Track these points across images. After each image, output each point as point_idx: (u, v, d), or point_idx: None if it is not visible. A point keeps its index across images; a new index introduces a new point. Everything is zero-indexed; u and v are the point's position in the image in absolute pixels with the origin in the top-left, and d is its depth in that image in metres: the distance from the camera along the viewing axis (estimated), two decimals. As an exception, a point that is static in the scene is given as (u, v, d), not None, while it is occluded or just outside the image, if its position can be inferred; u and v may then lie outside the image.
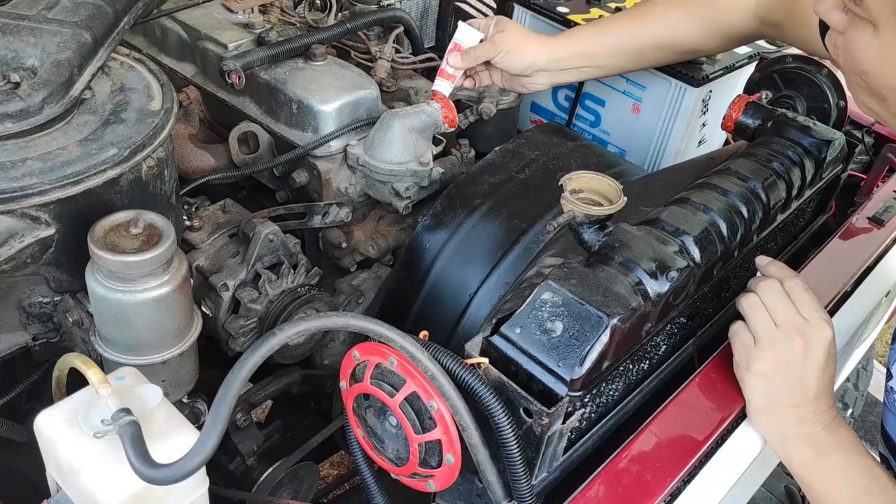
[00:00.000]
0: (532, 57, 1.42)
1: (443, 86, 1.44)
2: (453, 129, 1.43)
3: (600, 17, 1.61)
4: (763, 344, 1.02)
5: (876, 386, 2.69)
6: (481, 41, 1.43)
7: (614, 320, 0.85)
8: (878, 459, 1.08)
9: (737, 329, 1.06)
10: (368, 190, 1.42)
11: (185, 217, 1.29)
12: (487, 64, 1.45)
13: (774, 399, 1.02)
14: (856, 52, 0.89)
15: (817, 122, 1.25)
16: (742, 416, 1.06)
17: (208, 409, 1.09)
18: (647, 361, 1.05)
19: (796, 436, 1.01)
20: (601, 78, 1.60)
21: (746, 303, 1.05)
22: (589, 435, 0.99)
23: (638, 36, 1.43)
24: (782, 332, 1.01)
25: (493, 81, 1.49)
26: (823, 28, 1.00)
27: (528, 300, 0.89)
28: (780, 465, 1.10)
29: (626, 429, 1.02)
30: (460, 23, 1.46)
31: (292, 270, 1.30)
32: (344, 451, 1.72)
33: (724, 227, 1.04)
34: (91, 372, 0.83)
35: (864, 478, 0.97)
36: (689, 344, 1.14)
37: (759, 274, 1.10)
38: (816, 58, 1.47)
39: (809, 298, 1.04)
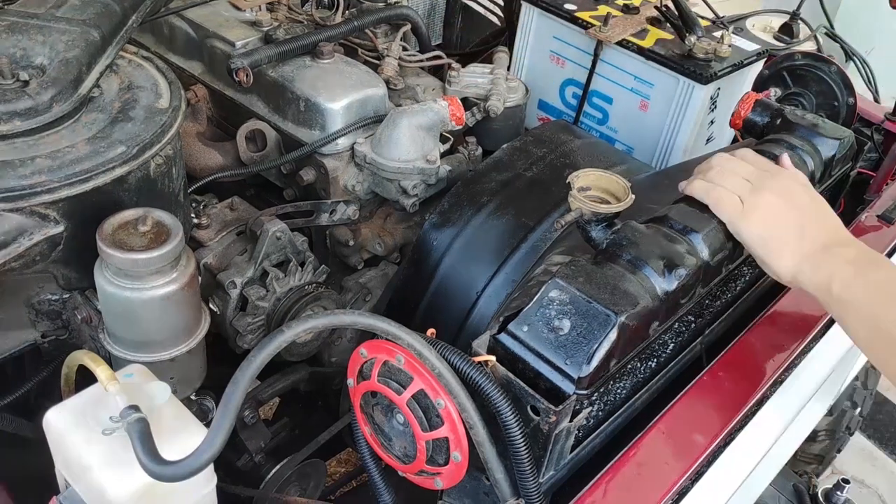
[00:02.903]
0: None
1: None
2: (460, 127, 1.43)
3: (608, 14, 1.60)
4: (755, 190, 0.99)
5: (885, 384, 2.68)
6: None
7: (622, 318, 0.85)
8: None
9: (717, 198, 1.01)
10: (375, 188, 1.42)
11: (192, 215, 1.29)
12: None
13: (793, 232, 0.98)
14: None
15: (826, 120, 1.25)
16: (750, 414, 1.05)
17: (216, 406, 1.10)
18: (655, 359, 1.05)
19: (830, 257, 0.95)
20: None
21: (705, 185, 1.02)
22: (597, 433, 0.99)
23: None
24: (763, 175, 1.01)
25: None
26: None
27: (535, 298, 0.89)
28: (789, 463, 1.10)
29: (634, 427, 1.02)
30: None
31: (300, 268, 1.31)
32: (351, 449, 1.72)
33: (732, 225, 1.03)
34: (100, 369, 0.83)
35: None
36: (697, 342, 1.13)
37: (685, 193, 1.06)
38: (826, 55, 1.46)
39: (762, 159, 1.03)
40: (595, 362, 0.84)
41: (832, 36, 2.00)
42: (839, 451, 2.34)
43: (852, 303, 0.92)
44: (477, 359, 0.86)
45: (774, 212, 0.99)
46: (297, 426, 1.47)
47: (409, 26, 1.63)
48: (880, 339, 0.90)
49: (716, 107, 1.61)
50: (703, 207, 1.04)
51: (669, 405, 1.04)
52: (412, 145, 1.36)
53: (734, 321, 1.20)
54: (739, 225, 1.00)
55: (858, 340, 0.94)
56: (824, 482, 1.64)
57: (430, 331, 0.89)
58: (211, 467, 0.82)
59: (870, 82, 1.90)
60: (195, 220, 1.29)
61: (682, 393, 1.06)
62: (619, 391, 0.99)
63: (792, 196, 1.01)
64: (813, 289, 0.97)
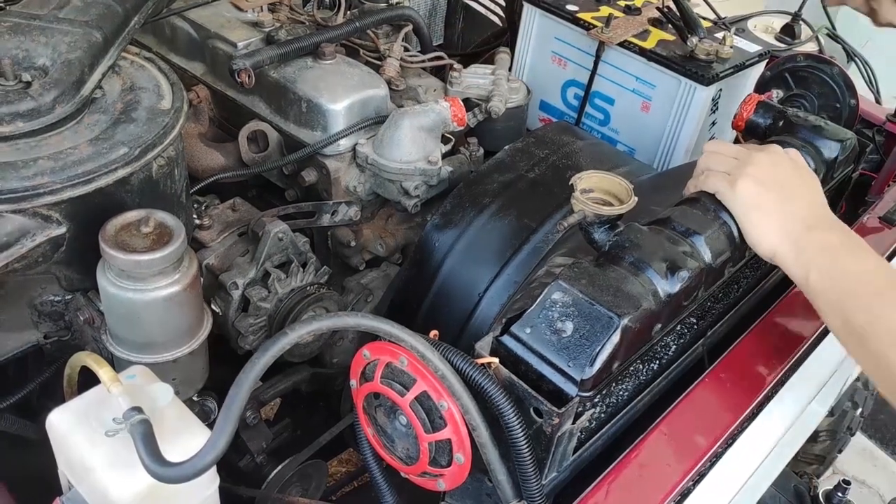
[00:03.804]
0: None
1: None
2: (462, 128, 1.43)
3: (609, 15, 1.60)
4: (742, 163, 1.02)
5: (886, 385, 2.67)
6: None
7: (625, 320, 0.85)
8: None
9: (706, 176, 1.05)
10: (377, 188, 1.42)
11: (195, 216, 1.29)
12: None
13: (775, 205, 0.99)
14: None
15: (828, 122, 1.25)
16: (752, 416, 1.05)
17: (218, 407, 1.10)
18: (657, 361, 1.05)
19: (809, 242, 0.96)
20: None
21: (697, 172, 1.07)
22: (599, 435, 0.99)
23: None
24: (751, 150, 1.03)
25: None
26: None
27: (538, 300, 0.89)
28: (790, 464, 1.10)
29: (636, 429, 1.02)
30: None
31: (301, 269, 1.31)
32: (352, 449, 1.72)
33: (734, 227, 1.03)
34: (102, 370, 0.83)
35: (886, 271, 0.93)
36: (699, 344, 1.13)
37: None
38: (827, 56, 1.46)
39: (750, 145, 1.06)
40: (598, 364, 0.84)
41: (833, 37, 2.01)
42: (840, 451, 2.34)
43: (827, 294, 0.94)
44: (480, 360, 0.86)
45: (759, 180, 1.00)
46: (298, 427, 1.47)
47: (410, 27, 1.63)
48: (852, 333, 0.91)
49: (717, 108, 1.61)
50: (705, 210, 1.04)
51: (671, 407, 1.04)
52: (414, 146, 1.36)
53: (736, 323, 1.20)
54: (727, 195, 1.02)
55: (832, 329, 0.96)
56: (825, 483, 1.64)
57: (433, 332, 0.89)
58: (214, 468, 0.82)
59: (871, 83, 1.90)
60: (197, 221, 1.29)
61: (684, 394, 1.06)
62: (621, 393, 0.99)
63: (778, 168, 1.02)
64: (790, 274, 0.98)
